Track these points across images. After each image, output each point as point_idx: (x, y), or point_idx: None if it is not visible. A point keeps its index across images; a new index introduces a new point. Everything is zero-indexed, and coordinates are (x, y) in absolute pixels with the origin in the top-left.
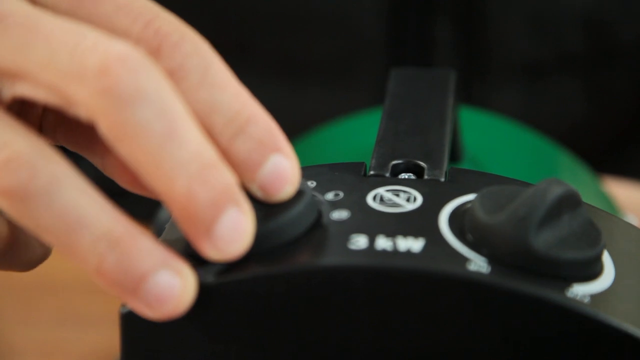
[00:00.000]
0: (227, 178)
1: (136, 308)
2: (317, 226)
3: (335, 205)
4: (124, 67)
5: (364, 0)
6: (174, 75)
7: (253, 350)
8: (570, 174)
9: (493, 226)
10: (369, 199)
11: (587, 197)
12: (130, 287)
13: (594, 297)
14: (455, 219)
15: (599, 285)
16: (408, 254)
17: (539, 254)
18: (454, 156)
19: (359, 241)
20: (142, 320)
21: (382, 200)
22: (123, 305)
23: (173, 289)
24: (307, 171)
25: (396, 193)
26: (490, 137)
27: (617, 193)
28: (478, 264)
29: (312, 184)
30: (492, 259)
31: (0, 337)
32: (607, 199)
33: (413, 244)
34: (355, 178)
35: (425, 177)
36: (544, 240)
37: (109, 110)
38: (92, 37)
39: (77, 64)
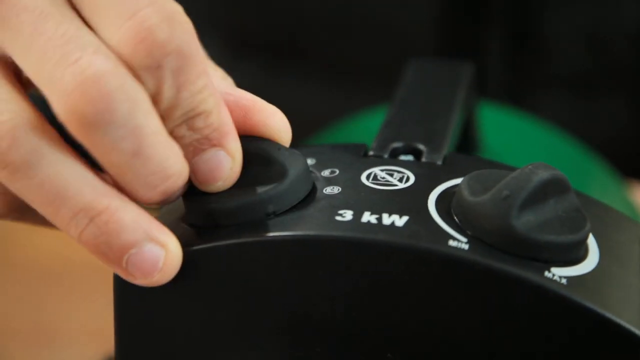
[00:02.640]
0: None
1: (123, 276)
2: (309, 199)
3: (329, 181)
4: (97, 89)
5: (417, 10)
6: (151, 72)
7: (236, 314)
8: (593, 178)
9: (476, 206)
10: (363, 177)
11: (607, 201)
12: (113, 259)
13: (571, 279)
14: (444, 200)
15: (579, 270)
16: (390, 228)
17: (519, 235)
18: (470, 148)
19: (346, 214)
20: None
21: (375, 178)
22: None
23: (157, 261)
24: (309, 149)
25: (390, 173)
26: (517, 136)
27: None
28: (458, 241)
29: (311, 161)
30: (474, 239)
31: (47, 318)
32: (629, 204)
33: (397, 220)
34: (354, 158)
35: (423, 160)
36: (525, 222)
37: (79, 129)
38: (79, 50)
39: (57, 77)
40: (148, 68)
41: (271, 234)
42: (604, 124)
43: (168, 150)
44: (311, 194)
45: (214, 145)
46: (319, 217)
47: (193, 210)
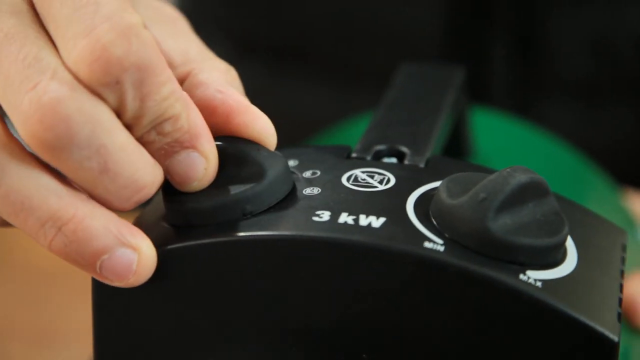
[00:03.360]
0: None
1: (99, 279)
2: (288, 200)
3: (310, 182)
4: (54, 115)
5: (421, 14)
6: (110, 88)
7: (213, 314)
8: (588, 185)
9: (453, 208)
10: (344, 178)
11: (602, 208)
12: (85, 265)
13: (547, 282)
14: (423, 202)
15: (555, 273)
16: (367, 229)
17: (495, 238)
18: (461, 152)
19: (323, 215)
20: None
21: (356, 180)
22: None
23: (130, 264)
24: (292, 150)
25: (371, 174)
26: (510, 142)
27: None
28: (434, 243)
29: (294, 162)
30: (451, 241)
31: (47, 318)
32: (623, 211)
33: (374, 221)
34: (336, 159)
35: (406, 162)
36: (502, 225)
37: (41, 152)
38: (38, 74)
39: (18, 102)
40: (106, 85)
41: (247, 234)
42: (609, 130)
43: (137, 162)
44: (290, 195)
45: (186, 148)
46: (296, 217)
47: (172, 210)
